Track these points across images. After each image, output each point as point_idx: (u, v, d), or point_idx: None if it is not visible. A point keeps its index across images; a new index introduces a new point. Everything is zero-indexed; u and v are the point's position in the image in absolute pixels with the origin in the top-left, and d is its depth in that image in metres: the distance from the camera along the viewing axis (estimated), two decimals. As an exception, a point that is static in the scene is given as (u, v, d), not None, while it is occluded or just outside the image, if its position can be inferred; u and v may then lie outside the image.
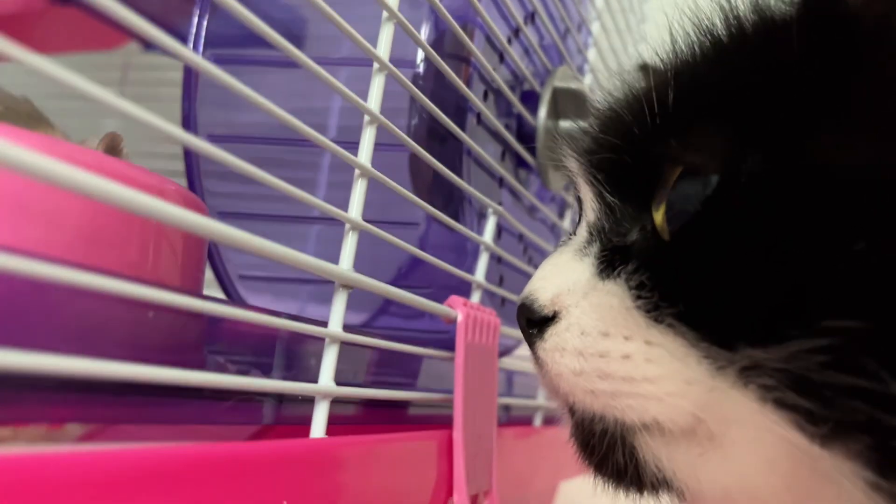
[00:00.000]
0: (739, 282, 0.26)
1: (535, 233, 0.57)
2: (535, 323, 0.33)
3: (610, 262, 0.31)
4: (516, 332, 0.52)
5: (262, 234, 0.25)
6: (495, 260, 0.51)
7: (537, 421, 0.62)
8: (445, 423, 0.40)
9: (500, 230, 0.51)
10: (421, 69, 0.43)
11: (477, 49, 0.42)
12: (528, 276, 0.55)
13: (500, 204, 0.49)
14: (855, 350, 0.23)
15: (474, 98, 0.42)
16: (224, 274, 0.50)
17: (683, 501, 0.32)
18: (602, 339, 0.30)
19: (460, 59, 0.44)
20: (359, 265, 0.33)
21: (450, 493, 0.41)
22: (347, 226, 0.32)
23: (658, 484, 0.31)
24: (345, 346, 0.31)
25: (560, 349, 0.31)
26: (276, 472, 0.26)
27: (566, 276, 0.32)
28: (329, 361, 0.31)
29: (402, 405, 0.43)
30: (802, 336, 0.24)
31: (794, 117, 0.26)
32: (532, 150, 0.53)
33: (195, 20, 0.50)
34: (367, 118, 0.32)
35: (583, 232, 0.34)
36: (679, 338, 0.27)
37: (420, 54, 0.42)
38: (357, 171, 0.32)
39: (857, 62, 0.26)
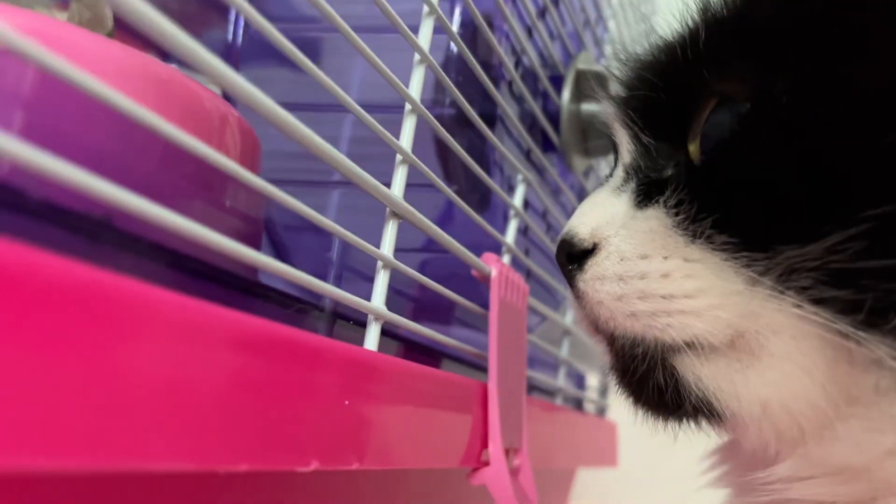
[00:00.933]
0: (774, 188, 0.28)
1: (558, 214, 0.58)
2: (575, 258, 0.34)
3: (647, 193, 0.32)
4: (541, 306, 0.53)
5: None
6: (521, 233, 0.52)
7: (557, 402, 0.62)
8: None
9: (525, 205, 0.53)
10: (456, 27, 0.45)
11: (509, 19, 0.44)
12: (551, 253, 0.57)
13: (525, 180, 0.51)
14: (887, 233, 0.25)
15: (507, 62, 0.44)
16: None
17: (722, 428, 0.33)
18: (641, 261, 0.31)
19: (491, 28, 0.45)
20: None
21: (484, 443, 0.41)
22: (399, 157, 0.33)
23: (698, 407, 0.31)
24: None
25: (600, 277, 0.32)
26: (340, 369, 0.27)
27: (605, 211, 0.34)
28: (381, 284, 0.32)
29: (435, 363, 0.44)
30: (838, 229, 0.25)
31: (818, 43, 0.28)
32: (556, 133, 0.55)
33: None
34: (417, 57, 0.34)
35: (619, 172, 0.35)
36: (717, 251, 0.29)
37: (455, 24, 0.44)
38: (399, 158, 0.34)
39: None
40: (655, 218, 0.31)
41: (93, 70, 0.27)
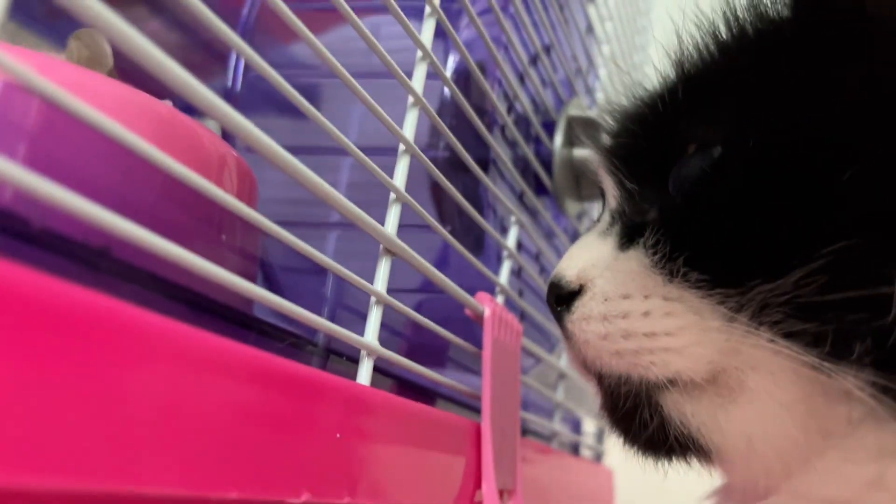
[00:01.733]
0: (744, 225, 0.29)
1: (551, 257, 0.59)
2: (563, 299, 0.35)
3: (630, 236, 0.34)
4: (535, 348, 0.53)
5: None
6: (515, 274, 0.53)
7: (553, 447, 0.62)
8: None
9: (519, 247, 0.53)
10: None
11: (502, 66, 0.45)
12: (543, 298, 0.57)
13: (518, 222, 0.52)
14: (846, 266, 0.26)
15: (499, 106, 0.45)
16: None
17: (710, 463, 0.34)
18: (623, 301, 0.32)
19: (485, 74, 0.47)
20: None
21: (478, 484, 0.41)
22: (392, 196, 0.34)
23: (684, 442, 0.32)
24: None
25: (586, 318, 0.34)
26: (333, 403, 0.27)
27: (591, 254, 0.35)
28: (374, 320, 0.33)
29: (430, 400, 0.44)
30: (804, 263, 0.27)
31: (786, 93, 0.30)
32: (548, 177, 0.56)
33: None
34: (410, 100, 0.35)
35: (606, 217, 0.37)
36: (694, 289, 0.30)
37: (450, 68, 0.45)
38: (392, 196, 0.34)
39: (839, 50, 0.30)
40: (636, 259, 0.32)
41: (96, 104, 0.28)
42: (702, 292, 0.30)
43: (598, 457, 0.79)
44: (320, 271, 0.52)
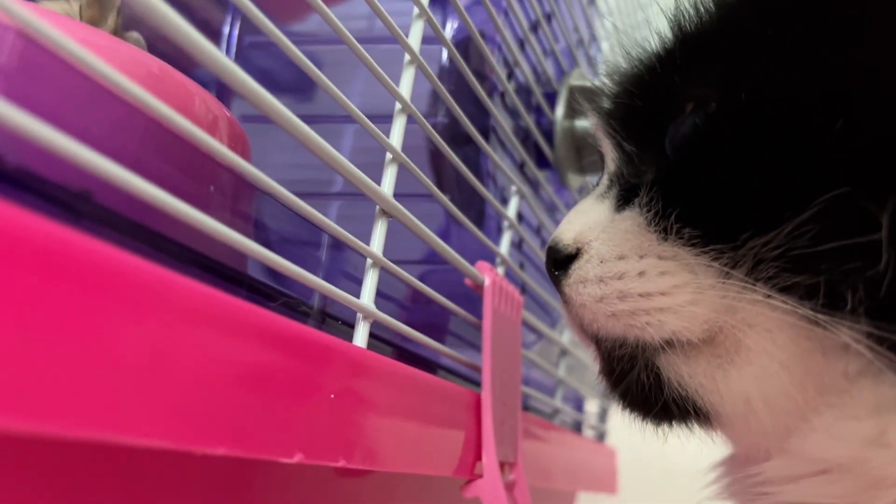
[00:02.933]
0: (736, 180, 0.29)
1: (553, 229, 0.58)
2: (560, 263, 0.35)
3: (626, 198, 0.33)
4: (536, 321, 0.53)
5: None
6: (515, 246, 0.52)
7: (556, 423, 0.61)
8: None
9: (520, 219, 0.52)
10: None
11: (502, 30, 0.44)
12: (545, 272, 0.56)
13: (519, 192, 0.51)
14: (837, 216, 0.26)
15: (500, 72, 0.44)
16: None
17: (710, 427, 0.33)
18: (619, 261, 0.32)
19: (484, 38, 0.46)
20: (387, 237, 0.34)
21: (478, 455, 0.40)
22: (388, 156, 0.33)
23: (682, 405, 0.31)
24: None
25: (582, 280, 0.33)
26: (327, 363, 0.27)
27: (588, 217, 0.34)
28: (370, 283, 0.32)
29: (430, 371, 0.44)
30: (796, 214, 0.26)
31: (782, 48, 0.29)
32: (550, 149, 0.55)
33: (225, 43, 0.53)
34: (406, 57, 0.34)
35: (604, 180, 0.36)
36: (688, 246, 0.29)
37: (449, 33, 0.44)
38: (388, 156, 0.34)
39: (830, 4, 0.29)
40: (630, 219, 0.32)
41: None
42: (696, 249, 0.29)
43: (601, 436, 0.78)
44: (316, 239, 0.51)
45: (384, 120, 0.36)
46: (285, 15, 0.59)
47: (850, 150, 0.26)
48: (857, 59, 0.27)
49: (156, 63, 0.29)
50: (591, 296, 0.33)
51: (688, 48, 0.33)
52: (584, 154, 0.57)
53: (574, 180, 0.58)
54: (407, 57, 0.34)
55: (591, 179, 0.63)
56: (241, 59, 0.55)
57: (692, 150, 0.31)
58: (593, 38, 0.65)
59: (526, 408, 0.58)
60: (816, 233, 0.26)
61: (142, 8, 0.20)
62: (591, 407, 0.77)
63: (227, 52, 0.56)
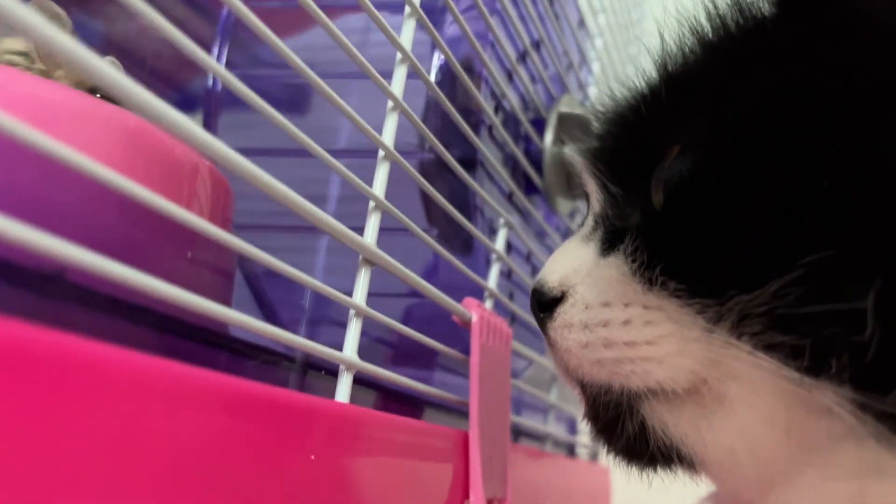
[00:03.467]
0: (722, 233, 0.28)
1: (543, 257, 0.58)
2: (545, 306, 0.34)
3: (611, 242, 0.33)
4: (526, 350, 0.52)
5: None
6: (505, 276, 0.52)
7: (547, 449, 0.61)
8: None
9: (509, 248, 0.52)
10: (436, 79, 0.45)
11: (488, 65, 0.44)
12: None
13: (507, 224, 0.51)
14: (823, 279, 0.25)
15: (486, 107, 0.44)
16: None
17: (696, 473, 0.33)
18: (604, 309, 0.32)
19: (471, 73, 0.46)
20: (373, 275, 0.34)
21: (465, 494, 0.40)
22: (371, 204, 0.33)
23: (667, 452, 0.31)
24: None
25: (567, 325, 0.33)
26: (307, 424, 0.26)
27: (573, 260, 0.34)
28: (353, 333, 0.32)
29: (416, 411, 0.43)
30: (781, 274, 0.26)
31: (766, 94, 0.29)
32: (539, 175, 0.55)
33: (216, 50, 0.53)
34: (390, 104, 0.34)
35: (589, 222, 0.36)
36: (673, 297, 0.29)
37: (434, 69, 0.44)
38: (371, 204, 0.33)
39: (821, 47, 0.29)
40: (615, 266, 0.32)
41: (55, 120, 0.27)
42: (681, 301, 0.29)
43: (594, 455, 0.78)
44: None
45: (373, 155, 0.36)
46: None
47: (836, 213, 0.25)
48: (848, 115, 0.27)
49: (132, 119, 0.29)
50: (576, 341, 0.33)
51: (673, 90, 0.32)
52: (573, 178, 0.57)
53: (564, 205, 0.58)
54: (390, 103, 0.34)
55: (580, 204, 0.63)
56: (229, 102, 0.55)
57: (677, 201, 0.30)
58: (584, 60, 0.64)
59: (518, 433, 0.58)
60: (801, 295, 0.25)
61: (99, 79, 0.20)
62: (584, 425, 0.77)
63: (215, 78, 0.56)
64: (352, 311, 0.32)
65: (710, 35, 0.33)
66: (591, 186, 0.36)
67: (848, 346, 0.24)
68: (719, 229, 0.28)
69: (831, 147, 0.27)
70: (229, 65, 0.55)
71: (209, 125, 0.56)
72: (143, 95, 0.21)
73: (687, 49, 0.33)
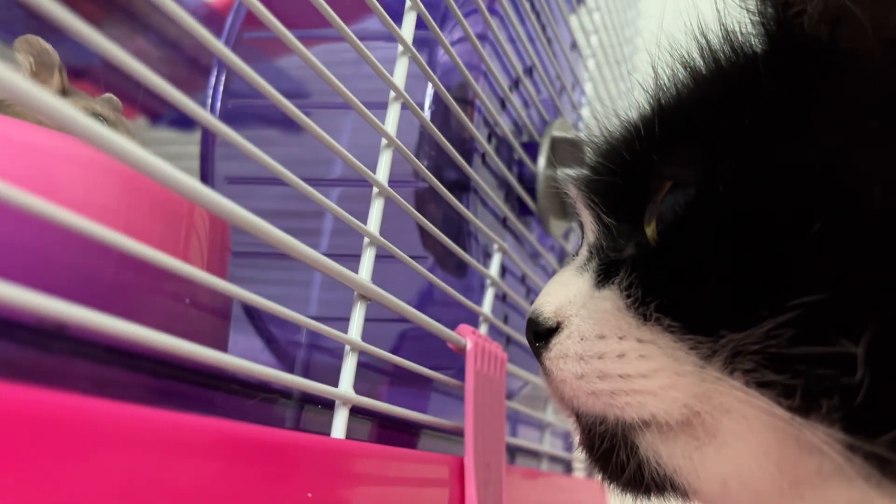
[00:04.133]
0: (715, 273, 0.29)
1: (537, 278, 0.58)
2: (541, 336, 0.35)
3: (606, 273, 0.33)
4: (521, 372, 0.53)
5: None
6: (500, 299, 0.52)
7: (543, 467, 0.62)
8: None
9: (503, 271, 0.53)
10: (428, 114, 0.45)
11: (480, 95, 0.45)
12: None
13: (501, 249, 0.51)
14: (815, 321, 0.25)
15: (479, 136, 0.44)
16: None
17: (689, 501, 0.33)
18: (599, 341, 0.32)
19: (465, 102, 0.46)
20: (369, 306, 0.34)
21: (462, 520, 0.41)
22: (366, 240, 0.34)
23: (661, 482, 0.32)
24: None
25: (563, 356, 0.33)
26: (302, 463, 0.27)
27: (568, 290, 0.35)
28: (349, 368, 0.32)
29: (412, 438, 0.44)
30: (773, 315, 0.26)
31: (757, 129, 0.29)
32: (532, 198, 0.55)
33: (214, 73, 0.54)
34: (384, 142, 0.35)
35: (584, 252, 0.36)
36: (667, 333, 0.30)
37: (428, 99, 0.45)
38: (366, 240, 0.34)
39: (810, 86, 0.29)
40: (610, 299, 0.32)
41: (56, 165, 0.28)
42: (674, 337, 0.30)
43: (591, 470, 0.78)
44: (302, 299, 0.52)
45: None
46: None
47: (829, 256, 0.26)
48: (839, 154, 0.27)
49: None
50: (572, 372, 0.33)
51: (666, 124, 0.33)
52: (567, 200, 0.58)
53: (557, 226, 0.58)
54: (384, 141, 0.34)
55: (574, 224, 0.63)
56: (231, 100, 0.56)
57: (671, 238, 0.31)
58: (576, 81, 0.65)
59: (514, 452, 0.59)
60: (793, 335, 0.26)
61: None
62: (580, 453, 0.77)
63: (214, 95, 0.56)
64: (347, 347, 0.32)
65: (703, 70, 0.33)
66: (586, 217, 0.37)
67: (839, 388, 0.25)
68: (713, 268, 0.29)
69: (823, 188, 0.27)
70: (228, 92, 0.56)
71: (206, 142, 0.56)
72: (133, 150, 0.21)
73: (680, 83, 0.34)
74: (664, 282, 0.30)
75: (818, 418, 0.26)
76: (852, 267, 0.25)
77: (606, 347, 0.32)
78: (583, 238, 0.38)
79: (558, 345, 0.34)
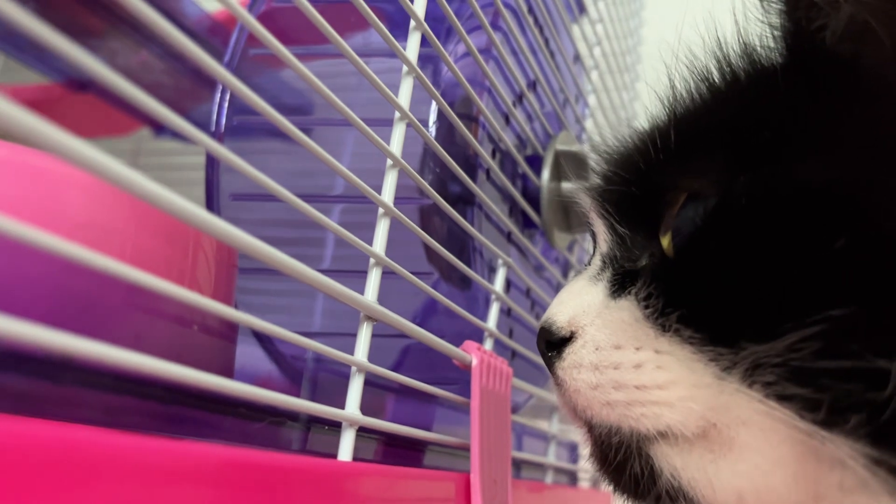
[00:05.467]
0: (737, 285, 0.28)
1: (542, 291, 0.58)
2: (553, 345, 0.35)
3: (621, 283, 0.33)
4: (527, 386, 0.53)
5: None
6: (505, 313, 0.52)
7: (548, 479, 0.62)
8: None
9: (508, 285, 0.53)
10: (433, 130, 0.46)
11: (484, 111, 0.45)
12: (535, 332, 0.57)
13: (505, 264, 0.51)
14: (842, 335, 0.25)
15: (483, 153, 0.44)
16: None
17: None
18: (615, 351, 0.32)
19: (469, 118, 0.46)
20: (380, 299, 0.34)
21: (468, 537, 0.41)
22: (372, 260, 0.34)
23: (675, 495, 0.32)
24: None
25: (577, 366, 0.33)
26: (309, 486, 0.27)
27: (581, 300, 0.34)
28: (355, 390, 0.32)
29: (418, 454, 0.44)
30: (796, 328, 0.26)
31: (778, 143, 0.29)
32: (536, 211, 0.55)
33: (220, 87, 0.54)
34: (389, 162, 0.35)
35: (596, 261, 0.36)
36: (686, 344, 0.29)
37: (432, 115, 0.45)
38: (372, 261, 0.34)
39: (833, 101, 0.29)
40: (627, 309, 0.32)
41: (63, 193, 0.28)
42: (694, 348, 0.29)
43: (597, 481, 0.78)
44: (307, 310, 0.52)
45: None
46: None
47: (856, 267, 0.25)
48: (863, 166, 0.27)
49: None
50: (586, 382, 0.33)
51: (683, 135, 0.32)
52: (571, 213, 0.58)
53: (562, 239, 0.58)
54: (389, 161, 0.35)
55: (578, 236, 0.63)
56: (236, 111, 0.56)
57: (692, 249, 0.30)
58: (580, 94, 0.65)
59: (519, 465, 0.59)
60: (818, 350, 0.26)
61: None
62: (586, 451, 0.77)
63: (220, 106, 0.56)
64: (353, 368, 0.33)
65: (720, 82, 0.33)
66: (599, 227, 0.36)
67: (866, 403, 0.25)
68: (735, 279, 0.28)
69: (848, 204, 0.27)
70: (232, 106, 0.56)
71: (210, 155, 0.56)
72: (138, 181, 0.21)
73: (696, 94, 0.34)
74: (685, 293, 0.30)
75: (843, 432, 0.25)
76: (879, 282, 0.25)
77: (623, 357, 0.31)
78: (595, 248, 0.38)
79: (572, 354, 0.33)
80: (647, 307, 0.31)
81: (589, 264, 0.38)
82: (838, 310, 0.25)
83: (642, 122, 0.36)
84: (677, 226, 0.31)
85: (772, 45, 0.32)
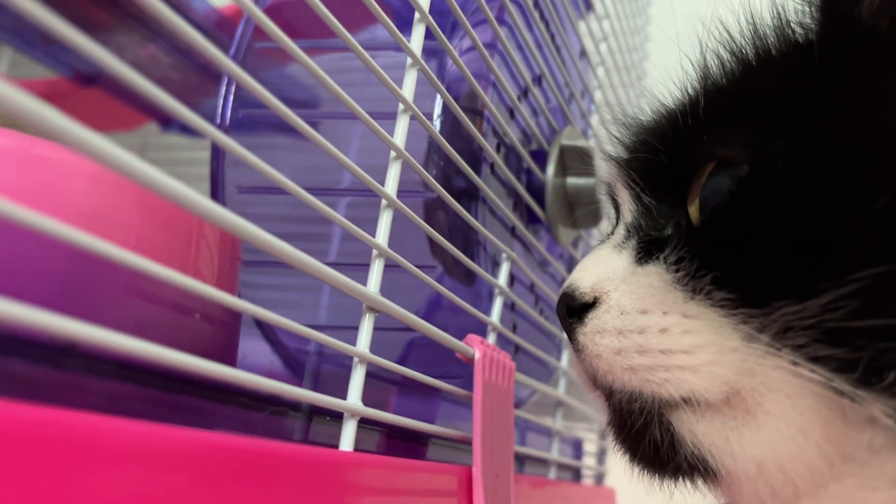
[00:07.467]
0: (772, 246, 0.28)
1: (546, 286, 0.58)
2: (574, 311, 0.34)
3: (647, 251, 0.33)
4: (530, 380, 0.53)
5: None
6: (508, 308, 0.52)
7: (551, 475, 0.62)
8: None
9: (512, 280, 0.53)
10: (438, 124, 0.46)
11: (489, 105, 0.45)
12: (539, 327, 0.57)
13: (509, 258, 0.51)
14: (881, 293, 0.25)
15: (488, 147, 0.44)
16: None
17: (717, 485, 0.33)
18: (641, 315, 0.32)
19: (474, 112, 0.46)
20: (384, 293, 0.34)
21: (470, 530, 0.41)
22: (374, 252, 0.34)
23: (693, 464, 0.31)
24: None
25: (600, 331, 0.33)
26: (310, 476, 0.27)
27: (606, 266, 0.34)
28: (357, 381, 0.32)
29: (421, 447, 0.44)
30: (833, 288, 0.26)
31: (814, 111, 0.29)
32: (541, 206, 0.55)
33: (226, 81, 0.54)
34: (392, 154, 0.35)
35: (620, 231, 0.36)
36: (716, 307, 0.29)
37: (437, 109, 0.45)
38: (374, 252, 0.34)
39: (866, 69, 0.29)
40: (655, 274, 0.32)
41: (64, 182, 0.28)
42: (724, 311, 0.29)
43: (600, 478, 0.78)
44: (312, 305, 0.52)
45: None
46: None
47: (894, 229, 0.26)
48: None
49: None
50: (609, 347, 0.32)
51: (714, 105, 0.32)
52: (575, 208, 0.58)
53: (566, 235, 0.58)
54: (392, 153, 0.35)
55: (583, 232, 0.63)
56: (243, 106, 0.56)
57: (724, 214, 0.30)
58: (585, 89, 0.65)
59: (522, 460, 0.59)
60: (855, 309, 0.26)
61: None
62: (590, 447, 0.77)
63: (225, 101, 0.57)
64: (356, 359, 0.33)
65: (751, 54, 0.33)
66: (624, 196, 0.36)
67: None
68: (769, 243, 0.28)
69: (890, 164, 0.27)
70: (238, 99, 0.56)
71: (217, 147, 0.56)
72: (146, 170, 0.21)
73: (727, 65, 0.33)
74: (717, 256, 0.30)
75: (877, 391, 0.26)
76: None
77: (649, 322, 0.31)
78: (618, 218, 0.38)
79: (595, 319, 0.33)
80: (677, 270, 0.31)
81: (612, 234, 0.38)
82: (878, 268, 0.25)
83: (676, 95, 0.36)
84: (705, 194, 0.31)
85: (806, 20, 0.32)
